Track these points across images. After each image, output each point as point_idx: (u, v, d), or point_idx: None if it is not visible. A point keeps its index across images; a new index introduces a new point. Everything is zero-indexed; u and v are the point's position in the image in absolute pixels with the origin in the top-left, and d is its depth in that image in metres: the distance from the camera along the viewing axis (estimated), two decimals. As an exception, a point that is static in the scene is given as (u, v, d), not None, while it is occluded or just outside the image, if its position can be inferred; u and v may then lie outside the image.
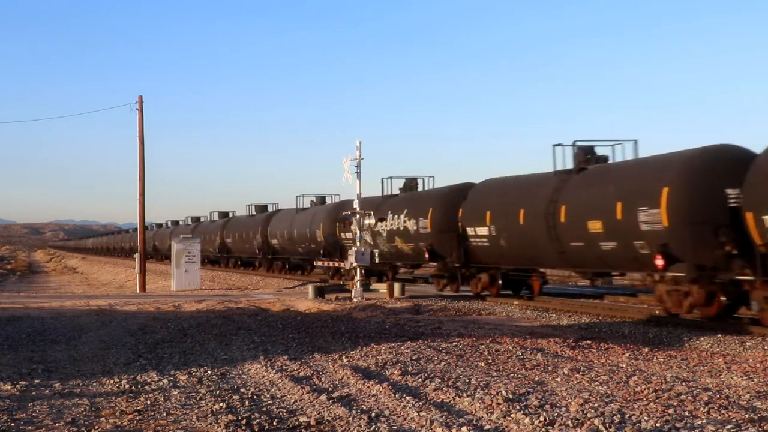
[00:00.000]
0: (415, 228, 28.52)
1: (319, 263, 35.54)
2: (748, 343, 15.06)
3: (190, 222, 71.79)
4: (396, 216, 30.01)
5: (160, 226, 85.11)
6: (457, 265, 26.92)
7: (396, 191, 32.96)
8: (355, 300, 24.89)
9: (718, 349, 14.62)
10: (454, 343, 14.07)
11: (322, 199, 43.41)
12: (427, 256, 27.68)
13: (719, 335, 16.17)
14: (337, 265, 32.70)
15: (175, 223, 78.83)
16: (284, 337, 15.36)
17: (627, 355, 13.12)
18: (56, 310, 22.15)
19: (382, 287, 27.64)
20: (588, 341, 14.81)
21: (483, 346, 13.68)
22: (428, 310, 21.67)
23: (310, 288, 27.19)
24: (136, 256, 36.79)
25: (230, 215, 59.89)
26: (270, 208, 51.94)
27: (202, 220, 69.62)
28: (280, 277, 43.15)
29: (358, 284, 26.07)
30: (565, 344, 14.12)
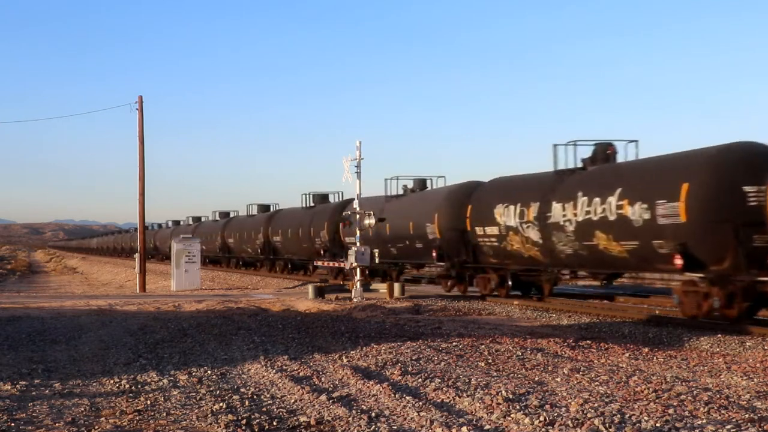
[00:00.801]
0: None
1: (319, 263, 35.56)
2: (748, 343, 15.06)
3: (191, 222, 71.65)
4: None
5: (160, 226, 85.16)
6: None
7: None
8: (355, 300, 24.89)
9: (718, 349, 14.62)
10: (454, 343, 14.07)
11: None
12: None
13: (719, 335, 16.17)
14: (337, 265, 32.79)
15: (176, 223, 78.79)
16: (284, 337, 15.36)
17: (627, 355, 13.12)
18: (56, 310, 22.15)
19: (382, 287, 27.65)
20: (588, 341, 14.81)
21: (483, 346, 13.68)
22: (428, 310, 21.67)
23: (310, 288, 27.20)
24: (136, 256, 36.80)
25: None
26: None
27: (203, 219, 69.56)
28: (280, 277, 43.15)
29: (358, 284, 26.08)
30: (565, 344, 14.12)
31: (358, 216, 26.56)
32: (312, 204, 42.42)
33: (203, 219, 69.26)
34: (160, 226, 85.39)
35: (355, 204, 26.93)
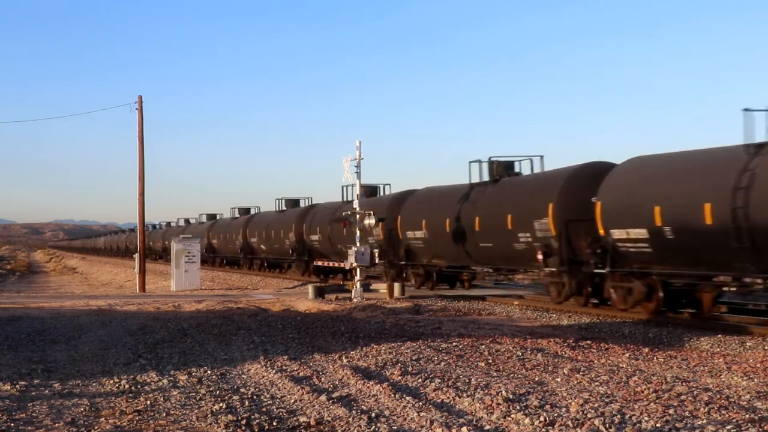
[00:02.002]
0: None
1: (319, 263, 35.92)
2: (748, 344, 15.06)
3: (182, 223, 72.85)
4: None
5: (154, 227, 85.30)
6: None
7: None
8: (355, 300, 24.89)
9: (718, 350, 14.61)
10: (454, 343, 14.06)
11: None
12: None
13: (719, 335, 16.16)
14: (336, 265, 32.97)
15: (168, 224, 79.11)
16: (284, 337, 15.35)
17: (627, 355, 13.11)
18: (56, 310, 22.14)
19: (382, 287, 27.67)
20: (588, 341, 14.80)
21: (483, 347, 13.67)
22: (428, 310, 21.66)
23: (310, 288, 27.20)
24: (136, 256, 36.79)
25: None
26: (252, 211, 54.60)
27: (191, 222, 71.12)
28: (280, 277, 43.23)
29: (358, 284, 26.09)
30: (565, 344, 14.11)
31: (358, 216, 26.57)
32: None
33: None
34: (154, 227, 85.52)
35: (355, 204, 26.93)
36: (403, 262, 30.68)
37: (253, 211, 54.32)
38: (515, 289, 29.73)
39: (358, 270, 26.20)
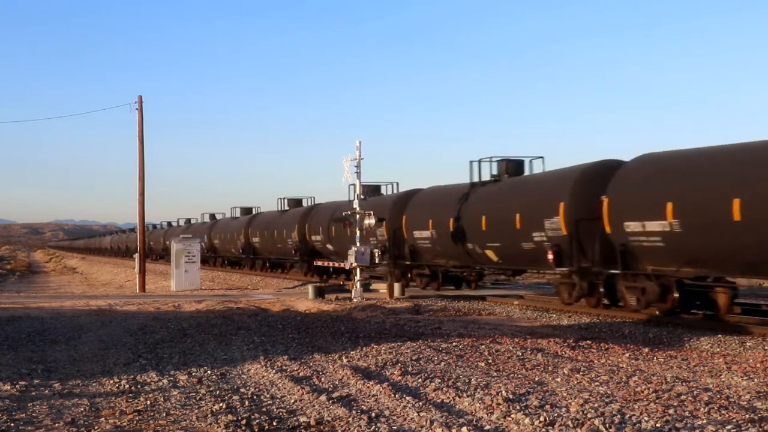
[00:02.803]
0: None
1: (319, 263, 35.98)
2: (748, 344, 15.06)
3: (182, 223, 73.12)
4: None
5: (155, 227, 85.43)
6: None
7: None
8: (355, 300, 24.89)
9: (718, 350, 14.61)
10: (454, 343, 14.06)
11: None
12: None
13: (719, 335, 16.17)
14: (336, 265, 33.04)
15: (170, 224, 79.28)
16: (284, 337, 15.35)
17: (627, 355, 13.11)
18: (56, 310, 22.14)
19: (382, 287, 27.67)
20: (588, 341, 14.80)
21: (483, 347, 13.67)
22: (428, 310, 21.66)
23: (310, 288, 27.21)
24: (136, 256, 36.79)
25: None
26: (253, 211, 54.32)
27: (192, 221, 71.25)
28: (280, 277, 43.26)
29: (358, 284, 26.09)
30: (565, 344, 14.11)
31: (358, 216, 26.57)
32: (286, 208, 46.13)
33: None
34: (154, 226, 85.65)
35: (355, 204, 26.94)
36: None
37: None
38: (518, 289, 29.77)
39: (358, 270, 26.20)
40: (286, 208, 46.19)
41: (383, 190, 35.59)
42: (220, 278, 43.81)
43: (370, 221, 26.65)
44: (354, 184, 27.00)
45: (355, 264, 26.01)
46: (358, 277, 26.28)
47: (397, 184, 34.64)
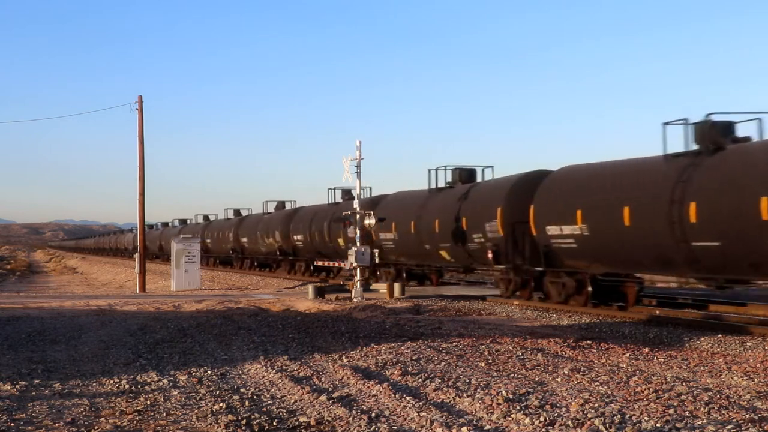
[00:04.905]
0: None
1: (319, 263, 36.13)
2: (748, 344, 15.05)
3: (177, 224, 74.33)
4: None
5: (151, 227, 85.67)
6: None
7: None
8: (355, 300, 24.89)
9: (718, 350, 14.61)
10: (454, 343, 14.06)
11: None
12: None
13: (720, 335, 16.17)
14: (336, 265, 33.22)
15: (183, 222, 79.57)
16: (284, 337, 15.35)
17: (627, 355, 13.11)
18: (56, 310, 22.14)
19: (382, 287, 27.65)
20: (588, 341, 14.80)
21: (483, 346, 13.67)
22: (428, 310, 21.66)
23: (310, 288, 27.20)
24: (136, 256, 36.80)
25: (242, 213, 61.08)
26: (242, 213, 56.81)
27: (188, 222, 72.67)
28: (279, 277, 43.30)
29: (358, 284, 26.09)
30: (566, 344, 14.11)
31: (358, 216, 26.58)
32: (271, 210, 49.56)
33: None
34: (150, 227, 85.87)
35: (355, 204, 26.96)
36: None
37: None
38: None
39: (358, 270, 26.20)
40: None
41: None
42: (220, 278, 43.82)
43: (370, 221, 26.68)
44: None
45: (355, 264, 26.02)
46: (358, 277, 26.29)
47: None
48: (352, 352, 13.17)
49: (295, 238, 42.17)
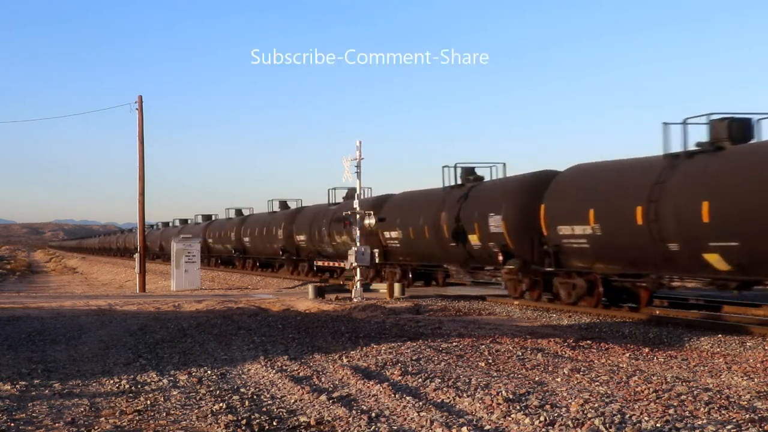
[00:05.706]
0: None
1: (319, 263, 36.15)
2: (748, 344, 15.05)
3: (178, 224, 74.15)
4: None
5: (152, 227, 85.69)
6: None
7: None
8: (355, 300, 24.88)
9: (718, 350, 14.61)
10: (454, 343, 14.06)
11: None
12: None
13: (720, 335, 16.16)
14: (336, 265, 33.22)
15: (184, 221, 79.64)
16: (284, 337, 15.35)
17: (627, 355, 13.11)
18: (56, 310, 22.14)
19: (382, 287, 27.65)
20: (588, 341, 14.80)
21: (483, 346, 13.67)
22: (428, 310, 21.66)
23: (310, 288, 27.19)
24: (136, 256, 36.79)
25: (245, 212, 61.10)
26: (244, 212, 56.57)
27: (189, 222, 72.47)
28: (279, 277, 43.32)
29: (358, 284, 26.08)
30: (566, 344, 14.11)
31: (358, 216, 26.58)
32: (275, 210, 49.03)
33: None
34: (151, 227, 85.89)
35: (356, 204, 26.95)
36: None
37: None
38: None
39: (358, 270, 26.20)
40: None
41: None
42: (220, 278, 43.83)
43: (370, 221, 26.68)
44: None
45: (355, 264, 26.01)
46: (358, 277, 26.29)
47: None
48: (352, 352, 13.17)
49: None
